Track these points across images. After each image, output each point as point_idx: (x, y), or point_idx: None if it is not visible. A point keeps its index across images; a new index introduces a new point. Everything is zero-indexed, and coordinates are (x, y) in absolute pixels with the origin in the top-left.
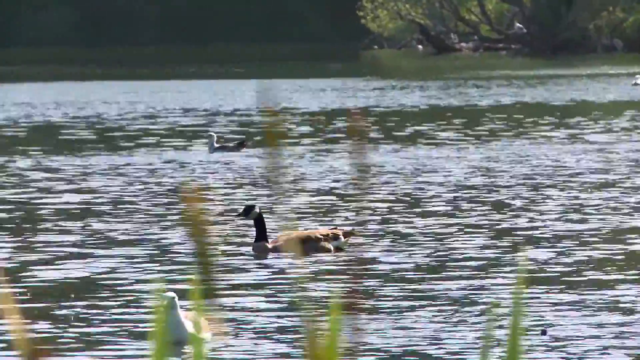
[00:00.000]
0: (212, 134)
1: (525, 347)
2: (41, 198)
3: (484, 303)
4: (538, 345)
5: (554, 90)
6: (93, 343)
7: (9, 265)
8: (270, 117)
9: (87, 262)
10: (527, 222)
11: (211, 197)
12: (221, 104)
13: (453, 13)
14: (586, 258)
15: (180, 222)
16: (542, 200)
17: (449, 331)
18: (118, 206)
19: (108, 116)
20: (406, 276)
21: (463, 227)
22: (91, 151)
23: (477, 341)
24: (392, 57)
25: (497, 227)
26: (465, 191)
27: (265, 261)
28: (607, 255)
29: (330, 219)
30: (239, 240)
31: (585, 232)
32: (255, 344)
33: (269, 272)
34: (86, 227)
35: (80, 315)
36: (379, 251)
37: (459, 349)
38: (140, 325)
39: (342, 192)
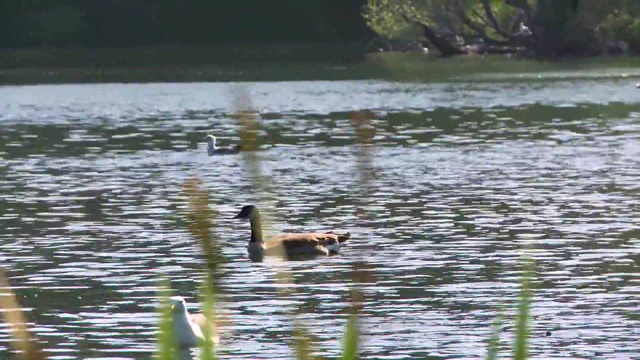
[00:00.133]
0: (211, 136)
1: (530, 349)
2: (44, 200)
3: (489, 306)
4: (543, 347)
5: (559, 92)
6: (98, 346)
7: (14, 268)
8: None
9: (89, 265)
10: (532, 224)
11: (213, 197)
12: (221, 107)
13: (458, 15)
14: (591, 260)
15: (184, 221)
16: (547, 203)
17: (455, 334)
18: (117, 208)
19: (108, 118)
20: (410, 278)
21: (468, 230)
22: (90, 153)
23: (484, 344)
24: (397, 60)
25: (502, 229)
26: (470, 193)
27: (262, 263)
28: (612, 258)
29: (325, 222)
30: (237, 241)
31: (590, 235)
32: (261, 346)
33: (266, 274)
34: (87, 229)
35: (85, 319)
36: (383, 253)
37: (464, 352)
38: (147, 329)
39: (340, 196)
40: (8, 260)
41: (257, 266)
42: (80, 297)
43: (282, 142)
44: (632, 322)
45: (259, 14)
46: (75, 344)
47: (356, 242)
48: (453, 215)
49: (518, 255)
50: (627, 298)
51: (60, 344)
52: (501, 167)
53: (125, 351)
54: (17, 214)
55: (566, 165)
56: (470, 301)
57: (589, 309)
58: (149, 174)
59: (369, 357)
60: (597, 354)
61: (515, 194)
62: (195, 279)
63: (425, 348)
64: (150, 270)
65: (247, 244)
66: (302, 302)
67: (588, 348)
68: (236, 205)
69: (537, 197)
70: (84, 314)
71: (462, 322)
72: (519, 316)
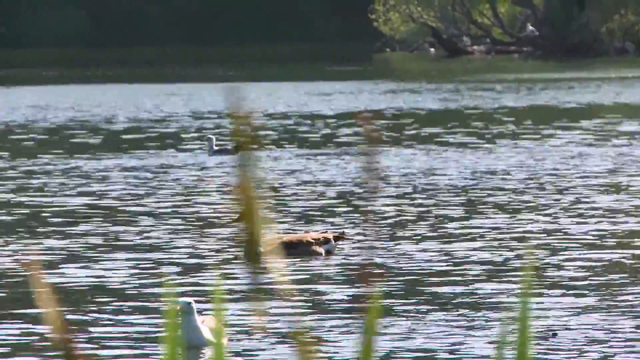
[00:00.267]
0: (211, 136)
1: (535, 350)
2: (48, 200)
3: (496, 306)
4: (548, 348)
5: (565, 93)
6: (106, 348)
7: (18, 268)
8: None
9: (93, 265)
10: (539, 225)
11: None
12: (221, 107)
13: (465, 16)
14: (598, 261)
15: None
16: (554, 203)
17: (462, 335)
18: (118, 209)
19: (107, 119)
20: (417, 279)
21: (474, 230)
22: (89, 154)
23: (491, 345)
24: (404, 60)
25: (509, 230)
26: (476, 194)
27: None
28: (619, 258)
29: (327, 222)
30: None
31: (597, 235)
32: (269, 347)
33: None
34: (89, 230)
35: (92, 320)
36: (388, 254)
37: (471, 352)
38: (154, 330)
39: (345, 197)
40: (13, 261)
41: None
42: (87, 298)
43: (287, 143)
44: (639, 323)
45: (264, 13)
46: (82, 345)
47: (362, 244)
48: (459, 215)
49: (525, 256)
50: (634, 299)
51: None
52: (507, 167)
53: (134, 353)
54: (22, 215)
55: (573, 165)
56: (477, 302)
57: (596, 310)
58: (149, 174)
59: (375, 357)
60: (603, 355)
61: (522, 194)
62: (203, 280)
63: (431, 349)
64: (157, 271)
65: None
66: (302, 303)
67: (594, 349)
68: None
69: (543, 198)
70: (92, 315)
71: (469, 322)
72: (520, 318)
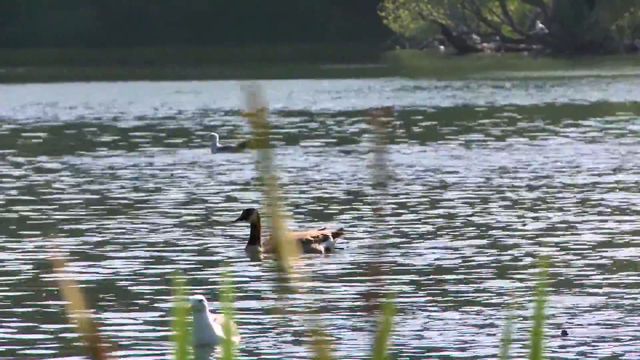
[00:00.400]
0: (215, 134)
1: (546, 349)
2: (55, 198)
3: (504, 305)
4: (559, 347)
5: (575, 90)
6: (116, 346)
7: (28, 266)
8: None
9: (98, 263)
10: (548, 222)
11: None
12: (224, 105)
13: (475, 13)
14: (609, 259)
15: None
16: (563, 201)
17: (470, 332)
18: (121, 207)
19: (108, 117)
20: (426, 276)
21: (484, 228)
22: (92, 152)
23: (499, 342)
24: (413, 58)
25: (518, 227)
26: (486, 191)
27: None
28: (629, 257)
29: (334, 220)
30: (235, 243)
31: (607, 233)
32: (276, 345)
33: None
34: (91, 228)
35: (101, 318)
36: (398, 251)
37: (480, 350)
38: (164, 328)
39: (353, 195)
40: (22, 258)
41: (255, 267)
42: (96, 296)
43: (297, 140)
44: None
45: (264, 13)
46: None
47: (372, 241)
48: (469, 212)
49: (534, 254)
50: None
51: (76, 343)
52: (517, 165)
53: (144, 352)
54: (30, 212)
55: (583, 163)
56: (487, 299)
57: (606, 309)
58: (153, 172)
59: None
60: (614, 354)
61: (532, 191)
62: (212, 277)
63: (441, 347)
64: (166, 268)
65: (244, 246)
66: (312, 301)
67: (605, 348)
68: (239, 203)
69: (553, 195)
70: (101, 313)
71: (480, 320)
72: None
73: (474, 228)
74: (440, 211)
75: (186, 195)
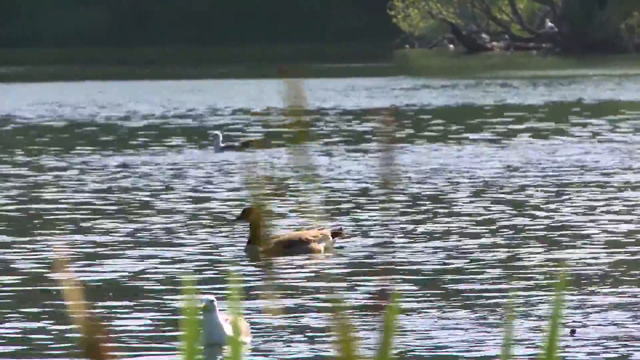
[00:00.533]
0: (218, 133)
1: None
2: (63, 197)
3: (507, 304)
4: (567, 345)
5: (585, 89)
6: (124, 345)
7: (36, 264)
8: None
9: (105, 262)
10: (556, 222)
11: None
12: (227, 105)
13: (484, 12)
14: (617, 258)
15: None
16: (572, 200)
17: (476, 332)
18: (124, 206)
19: (109, 117)
20: (432, 276)
21: (492, 227)
22: (95, 151)
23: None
24: (423, 56)
25: (527, 227)
26: (494, 190)
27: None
28: (638, 256)
29: (340, 219)
30: (235, 242)
31: (616, 232)
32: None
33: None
34: (91, 228)
35: (110, 317)
36: (405, 251)
37: (486, 351)
38: (174, 328)
39: (361, 194)
40: (30, 257)
41: (255, 267)
42: (102, 295)
43: (307, 139)
44: None
45: (264, 13)
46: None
47: (380, 241)
48: (475, 212)
49: (542, 254)
50: None
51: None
52: (526, 164)
53: (152, 351)
54: (36, 211)
55: (592, 162)
56: (494, 299)
57: (615, 308)
58: (156, 172)
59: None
60: (623, 353)
61: (540, 191)
62: (222, 277)
63: (447, 346)
64: (169, 267)
65: (244, 246)
66: (309, 302)
67: (614, 347)
68: (239, 203)
69: (562, 194)
70: (109, 312)
71: (487, 320)
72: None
73: (482, 227)
74: (449, 210)
75: (189, 194)
